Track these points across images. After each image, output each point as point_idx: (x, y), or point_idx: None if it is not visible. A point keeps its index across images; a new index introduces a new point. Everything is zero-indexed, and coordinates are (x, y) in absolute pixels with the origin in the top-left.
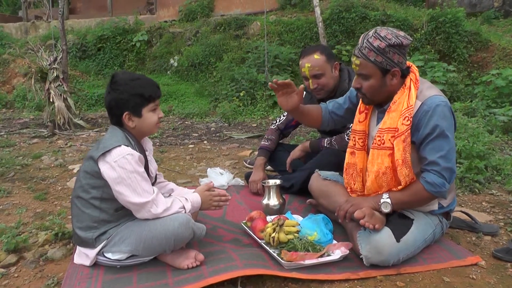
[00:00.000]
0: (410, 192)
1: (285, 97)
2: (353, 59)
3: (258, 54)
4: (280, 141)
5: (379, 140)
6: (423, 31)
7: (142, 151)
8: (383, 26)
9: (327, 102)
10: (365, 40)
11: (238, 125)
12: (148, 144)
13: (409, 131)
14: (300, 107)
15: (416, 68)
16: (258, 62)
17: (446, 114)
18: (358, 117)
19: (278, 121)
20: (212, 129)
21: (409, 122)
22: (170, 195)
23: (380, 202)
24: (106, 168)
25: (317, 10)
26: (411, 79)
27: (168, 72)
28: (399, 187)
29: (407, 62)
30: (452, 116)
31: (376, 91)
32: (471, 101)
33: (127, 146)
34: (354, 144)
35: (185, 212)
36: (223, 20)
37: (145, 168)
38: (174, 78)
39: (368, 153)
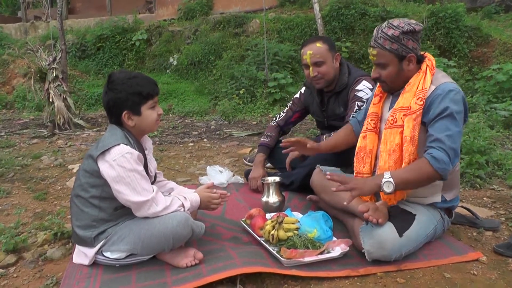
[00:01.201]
0: (413, 169)
1: (303, 150)
2: (370, 50)
3: (258, 51)
4: (280, 138)
5: (392, 119)
6: (423, 27)
7: (141, 149)
8: (394, 19)
9: (355, 114)
10: (379, 31)
11: (238, 123)
12: (148, 142)
13: (421, 110)
14: (325, 146)
15: (432, 58)
16: (257, 59)
17: (458, 99)
18: (373, 100)
19: (278, 117)
20: (212, 127)
21: (422, 102)
22: (169, 194)
23: (382, 182)
24: (105, 167)
25: (316, 7)
26: (427, 65)
27: (168, 70)
28: (403, 166)
29: (424, 53)
30: (463, 104)
31: (395, 78)
32: (472, 96)
33: (126, 144)
34: (367, 127)
35: (184, 211)
36: (222, 18)
37: (144, 167)
38: (173, 77)
39: (379, 136)
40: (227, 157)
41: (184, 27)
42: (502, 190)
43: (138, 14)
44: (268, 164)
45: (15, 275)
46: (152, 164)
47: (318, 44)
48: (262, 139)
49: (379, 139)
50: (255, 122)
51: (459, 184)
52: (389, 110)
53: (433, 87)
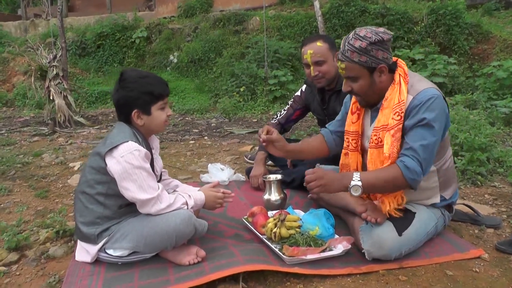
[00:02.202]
0: (384, 176)
1: (271, 146)
2: (338, 63)
3: (258, 49)
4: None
5: (376, 139)
6: (423, 24)
7: (148, 148)
8: (362, 27)
9: (327, 125)
10: (346, 43)
11: (238, 120)
12: (155, 142)
13: (400, 126)
14: (294, 147)
15: (403, 63)
16: (258, 57)
17: (435, 106)
18: (350, 118)
19: (279, 115)
20: (212, 124)
21: (399, 117)
22: (174, 191)
23: (350, 184)
24: (112, 163)
25: (316, 4)
26: (399, 74)
27: (168, 68)
28: None
29: (394, 58)
30: (443, 109)
31: (367, 91)
32: (472, 93)
33: (134, 142)
34: (348, 145)
35: (187, 208)
36: (222, 16)
37: (150, 165)
38: (174, 74)
39: (362, 154)
40: (228, 155)
41: (184, 24)
42: (504, 187)
43: (138, 11)
44: (269, 162)
45: (17, 273)
46: (158, 163)
47: (319, 43)
48: None
49: (363, 155)
50: (256, 120)
51: (456, 180)
52: (371, 124)
53: (410, 97)
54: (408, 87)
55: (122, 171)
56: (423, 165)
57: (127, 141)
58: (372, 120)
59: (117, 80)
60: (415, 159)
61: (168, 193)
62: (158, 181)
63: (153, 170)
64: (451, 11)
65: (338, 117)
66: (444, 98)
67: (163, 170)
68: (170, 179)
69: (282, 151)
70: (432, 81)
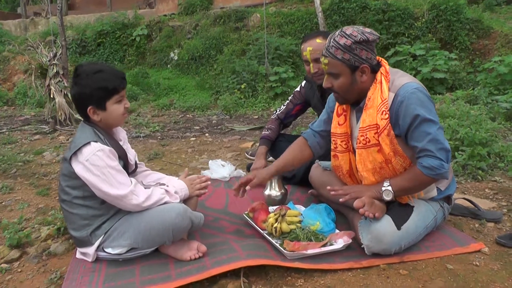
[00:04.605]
0: (410, 177)
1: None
2: (322, 59)
3: (259, 46)
4: (282, 132)
5: (363, 140)
6: (424, 20)
7: (114, 142)
8: (349, 25)
9: (310, 124)
10: (332, 40)
11: (239, 117)
12: (121, 133)
13: (390, 124)
14: (278, 167)
15: (385, 61)
16: (258, 54)
17: (422, 99)
18: (337, 120)
19: (278, 110)
20: (213, 121)
21: (387, 116)
22: (156, 184)
23: (381, 190)
24: (79, 169)
25: (317, 1)
26: (381, 73)
27: (169, 65)
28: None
29: (377, 57)
30: (428, 99)
31: (348, 89)
32: (473, 89)
33: (96, 141)
34: (336, 147)
35: (168, 196)
36: (222, 13)
37: (123, 158)
38: (174, 72)
39: (354, 154)
40: (229, 151)
41: (185, 22)
42: (504, 181)
43: (138, 9)
44: (270, 158)
45: (19, 270)
46: (131, 153)
47: (318, 40)
48: (263, 132)
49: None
50: (257, 116)
51: (451, 171)
52: (357, 124)
53: (392, 95)
54: (389, 84)
55: (90, 174)
56: (440, 156)
57: (89, 143)
58: (358, 121)
59: (72, 76)
60: (430, 156)
61: (152, 186)
62: (134, 171)
63: (126, 161)
64: (452, 6)
65: (322, 116)
66: (426, 91)
67: (139, 162)
68: (148, 170)
69: (268, 177)
70: (433, 77)
